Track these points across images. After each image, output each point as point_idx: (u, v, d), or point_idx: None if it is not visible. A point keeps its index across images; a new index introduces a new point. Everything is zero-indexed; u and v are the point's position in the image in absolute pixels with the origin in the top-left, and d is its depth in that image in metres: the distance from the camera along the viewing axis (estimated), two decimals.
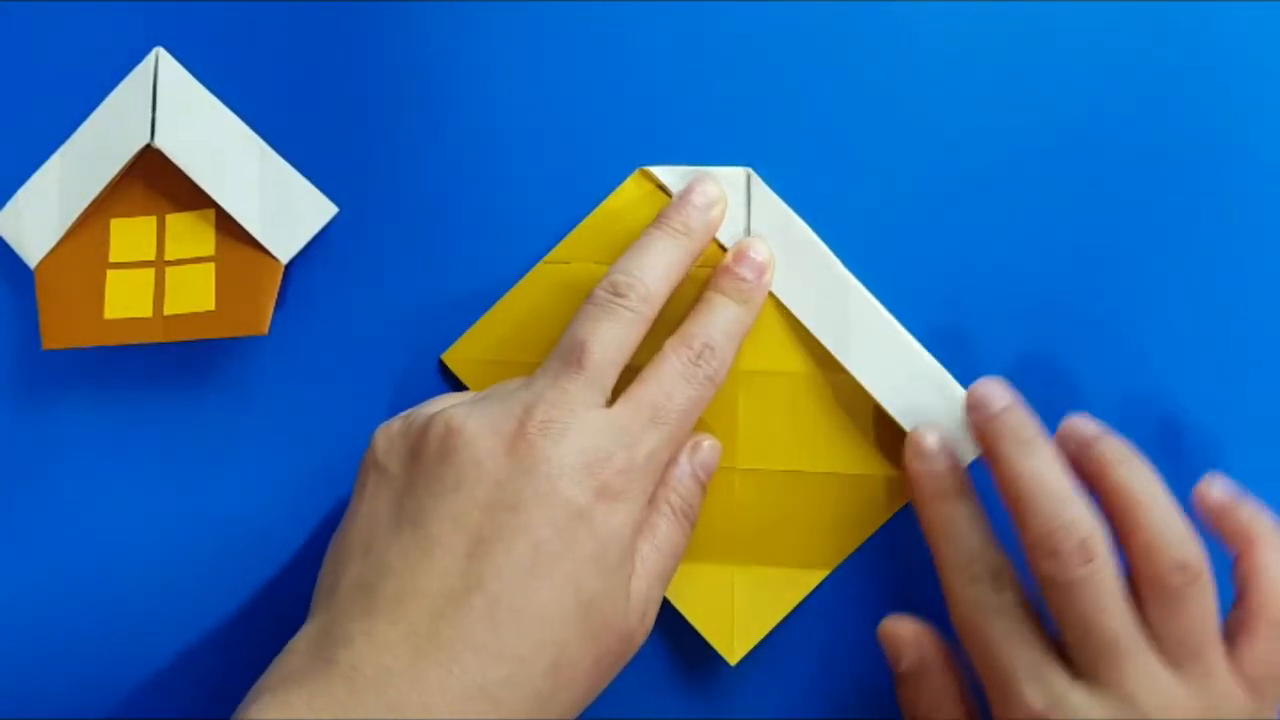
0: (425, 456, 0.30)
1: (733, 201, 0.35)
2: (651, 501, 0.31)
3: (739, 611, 0.35)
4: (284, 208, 0.36)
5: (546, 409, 0.30)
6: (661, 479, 0.32)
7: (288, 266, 0.36)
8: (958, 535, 0.32)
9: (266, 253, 0.35)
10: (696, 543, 0.34)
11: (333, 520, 0.36)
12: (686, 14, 0.36)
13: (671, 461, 0.32)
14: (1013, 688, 0.30)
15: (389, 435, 0.32)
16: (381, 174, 0.37)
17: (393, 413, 0.36)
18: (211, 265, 0.36)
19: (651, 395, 0.31)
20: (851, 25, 0.36)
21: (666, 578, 0.31)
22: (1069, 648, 0.30)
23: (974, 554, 0.32)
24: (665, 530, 0.31)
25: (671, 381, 0.32)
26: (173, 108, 0.36)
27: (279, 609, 0.36)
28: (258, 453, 0.36)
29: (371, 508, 0.31)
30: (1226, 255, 0.35)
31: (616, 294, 0.32)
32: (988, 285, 0.35)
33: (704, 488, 0.33)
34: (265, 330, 0.35)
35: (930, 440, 0.33)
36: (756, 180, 0.35)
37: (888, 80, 0.36)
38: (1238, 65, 0.35)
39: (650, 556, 0.31)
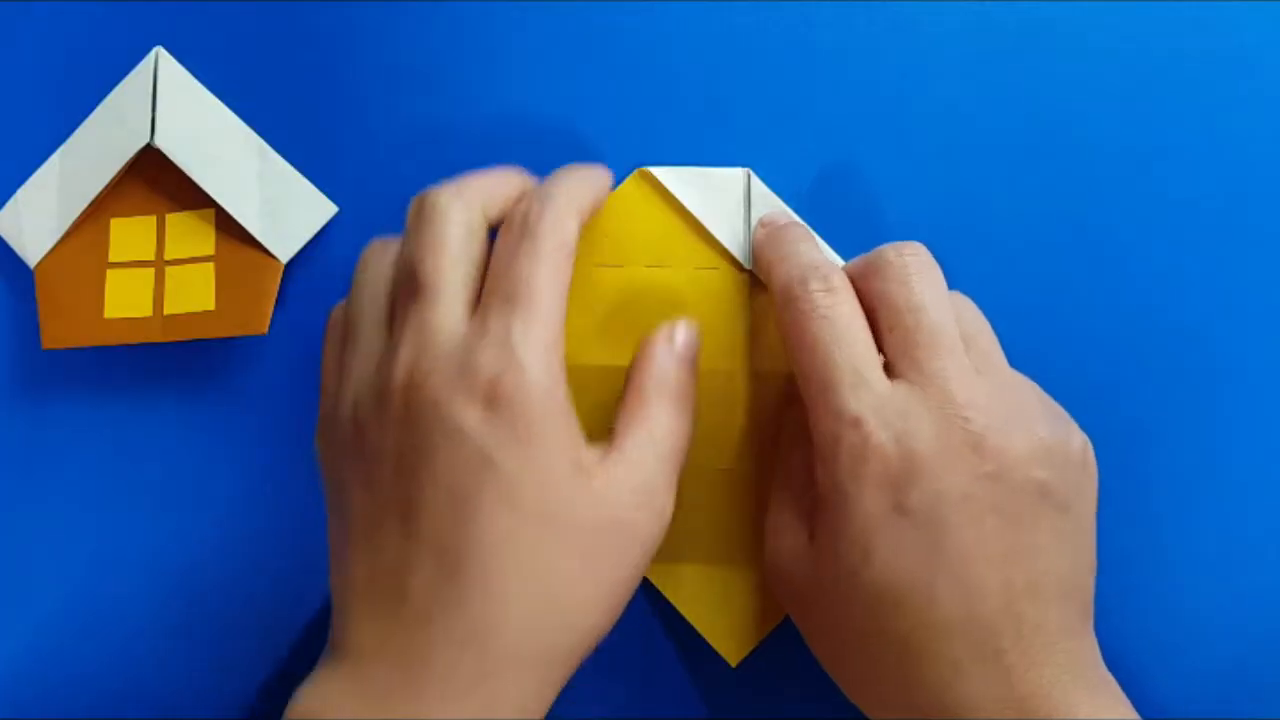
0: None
1: (733, 201, 0.35)
2: (639, 392, 0.30)
3: (740, 612, 0.34)
4: (284, 207, 0.36)
5: (408, 352, 0.28)
6: (641, 365, 0.30)
7: (288, 266, 0.36)
8: (790, 252, 0.32)
9: (266, 252, 0.35)
10: (697, 543, 0.34)
11: None
12: (686, 14, 0.36)
13: (649, 345, 0.31)
14: (833, 393, 0.29)
15: None
16: (381, 174, 0.37)
17: None
18: (211, 265, 0.36)
19: (494, 283, 0.29)
20: (851, 25, 0.36)
21: (672, 461, 0.30)
22: (890, 345, 0.30)
23: (807, 264, 0.31)
24: (662, 419, 0.30)
25: (504, 255, 0.29)
26: (173, 108, 0.36)
27: (278, 607, 0.36)
28: (257, 452, 0.36)
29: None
30: (1230, 254, 0.35)
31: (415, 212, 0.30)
32: (989, 283, 0.35)
33: (692, 367, 0.31)
34: (265, 330, 0.35)
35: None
36: (756, 180, 0.35)
37: (887, 80, 0.36)
38: (1242, 66, 0.35)
39: (644, 447, 0.29)
